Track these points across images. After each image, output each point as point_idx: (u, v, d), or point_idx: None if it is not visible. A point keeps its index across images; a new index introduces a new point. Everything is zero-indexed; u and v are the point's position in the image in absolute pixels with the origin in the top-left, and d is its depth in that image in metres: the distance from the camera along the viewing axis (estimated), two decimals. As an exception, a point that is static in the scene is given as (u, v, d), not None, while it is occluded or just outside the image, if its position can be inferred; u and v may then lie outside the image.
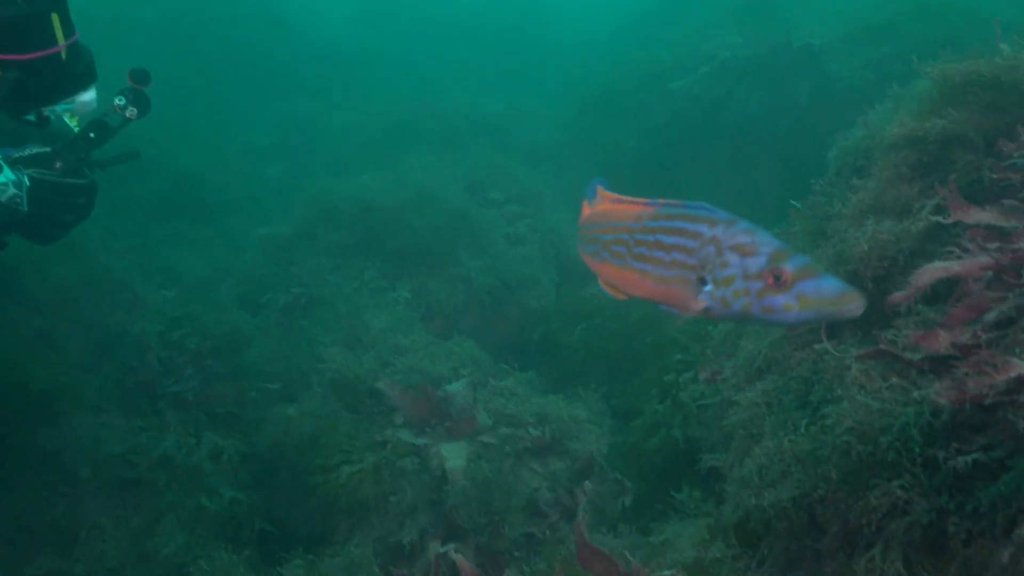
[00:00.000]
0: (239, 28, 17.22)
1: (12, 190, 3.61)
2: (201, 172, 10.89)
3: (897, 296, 2.89)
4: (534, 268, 7.93)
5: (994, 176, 3.08)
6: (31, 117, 3.70)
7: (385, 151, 11.54)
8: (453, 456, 4.93)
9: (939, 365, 2.68)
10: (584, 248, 2.31)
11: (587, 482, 4.59)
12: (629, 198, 2.18)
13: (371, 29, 20.45)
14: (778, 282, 1.78)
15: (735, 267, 1.84)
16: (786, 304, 1.78)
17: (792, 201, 4.47)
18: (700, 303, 1.92)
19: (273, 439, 5.45)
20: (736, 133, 10.25)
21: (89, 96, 3.77)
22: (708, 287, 1.90)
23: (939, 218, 3.08)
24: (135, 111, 3.97)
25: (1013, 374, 2.24)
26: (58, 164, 3.86)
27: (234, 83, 15.99)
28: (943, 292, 2.97)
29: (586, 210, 2.39)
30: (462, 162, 9.63)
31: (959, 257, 2.89)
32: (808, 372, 3.36)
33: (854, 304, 1.74)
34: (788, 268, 1.77)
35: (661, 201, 2.05)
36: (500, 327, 7.54)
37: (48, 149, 3.87)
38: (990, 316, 2.63)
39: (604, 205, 2.27)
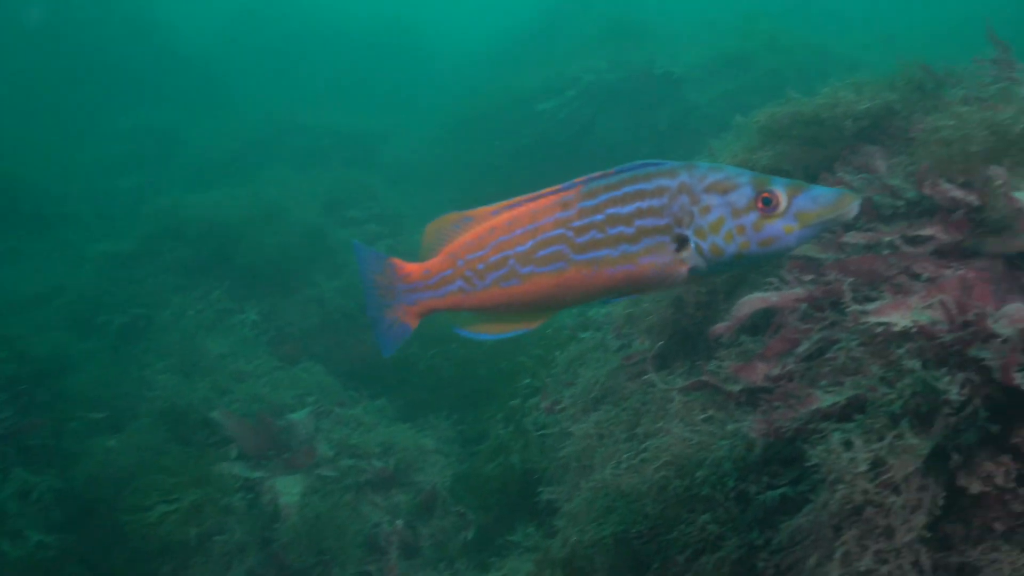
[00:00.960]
0: (96, 33, 16.31)
1: None
2: (38, 181, 10.13)
3: (719, 327, 2.86)
4: (392, 290, 7.70)
5: (812, 209, 3.11)
6: None
7: (247, 164, 11.12)
8: (288, 490, 4.65)
9: (756, 397, 2.67)
10: (469, 285, 1.87)
11: (399, 521, 4.41)
12: (524, 196, 1.84)
13: (241, 38, 19.81)
14: (769, 207, 1.67)
15: (720, 208, 1.69)
16: (786, 227, 1.68)
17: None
18: (683, 265, 1.74)
19: (90, 474, 5.01)
20: (602, 156, 10.38)
21: None
22: (692, 243, 1.72)
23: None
24: None
25: (813, 407, 2.23)
26: None
27: (90, 90, 15.11)
28: (765, 323, 2.96)
29: (408, 267, 1.95)
30: (324, 178, 9.34)
31: (778, 288, 2.90)
32: (639, 403, 3.31)
33: (855, 203, 1.68)
34: (778, 189, 1.68)
35: (581, 179, 1.80)
36: (355, 350, 7.27)
37: None
38: (802, 348, 2.63)
39: (485, 223, 1.88)
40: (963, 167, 2.47)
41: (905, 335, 2.15)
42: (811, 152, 3.40)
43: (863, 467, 1.92)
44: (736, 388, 2.69)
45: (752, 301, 2.80)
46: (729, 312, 2.84)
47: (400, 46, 19.64)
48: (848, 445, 1.97)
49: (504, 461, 4.52)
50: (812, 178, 3.41)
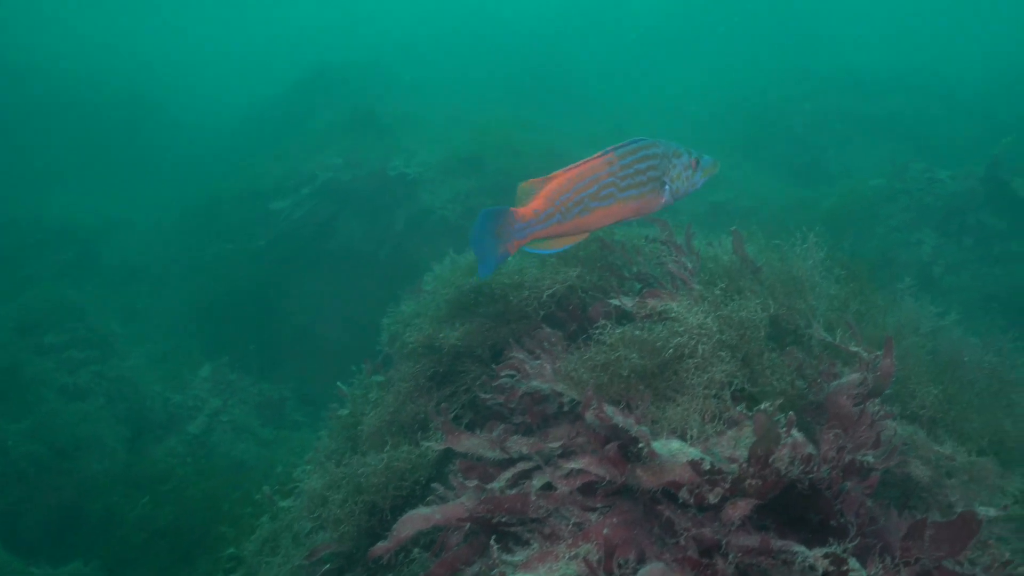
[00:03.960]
0: None
1: None
2: None
3: (378, 548, 2.61)
4: (98, 426, 6.84)
5: (484, 396, 3.03)
6: None
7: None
8: None
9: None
10: (564, 217, 2.74)
11: None
12: (578, 162, 2.75)
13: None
14: (699, 166, 2.85)
15: (680, 166, 2.82)
16: (701, 177, 2.87)
17: (339, 384, 4.26)
18: (663, 198, 2.82)
19: None
20: (342, 257, 10.09)
21: None
22: (667, 186, 2.81)
23: (432, 444, 2.92)
24: None
25: None
26: None
27: None
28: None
29: (523, 211, 2.73)
30: (20, 294, 8.24)
31: (443, 498, 2.73)
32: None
33: (719, 165, 2.97)
34: (696, 156, 2.87)
35: (610, 149, 2.76)
36: (48, 501, 6.36)
37: None
38: (465, 579, 2.48)
39: (556, 180, 2.74)
40: (622, 388, 2.46)
41: (550, 598, 2.05)
42: (497, 329, 3.32)
43: None
44: (400, 624, 2.49)
45: (414, 519, 2.59)
46: (390, 531, 2.62)
47: (134, 122, 18.16)
48: None
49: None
50: (497, 354, 3.34)
